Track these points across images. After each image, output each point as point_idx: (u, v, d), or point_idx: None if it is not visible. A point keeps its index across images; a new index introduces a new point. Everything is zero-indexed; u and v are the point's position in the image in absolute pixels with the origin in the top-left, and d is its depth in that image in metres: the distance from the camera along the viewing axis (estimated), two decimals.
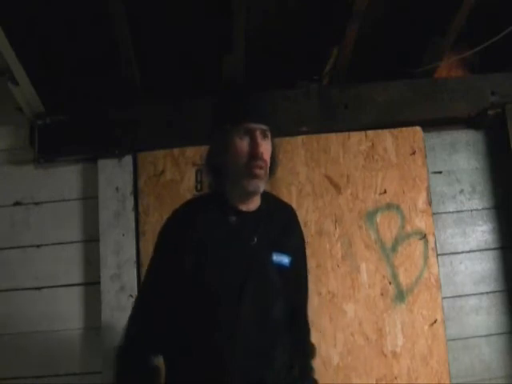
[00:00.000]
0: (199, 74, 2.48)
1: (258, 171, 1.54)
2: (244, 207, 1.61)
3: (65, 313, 2.41)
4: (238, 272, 1.55)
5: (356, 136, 2.53)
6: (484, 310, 2.51)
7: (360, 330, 2.37)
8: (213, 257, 1.54)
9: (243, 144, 1.54)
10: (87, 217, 2.48)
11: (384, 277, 2.42)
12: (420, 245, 2.45)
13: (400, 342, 2.37)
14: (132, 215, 2.44)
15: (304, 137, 2.52)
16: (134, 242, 2.42)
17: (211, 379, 1.50)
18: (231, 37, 2.27)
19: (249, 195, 1.60)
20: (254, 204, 1.63)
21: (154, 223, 2.34)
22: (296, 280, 1.73)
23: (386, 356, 2.36)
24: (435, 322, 2.39)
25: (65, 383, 2.35)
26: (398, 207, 2.48)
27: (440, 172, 2.61)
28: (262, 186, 1.58)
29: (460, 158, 2.63)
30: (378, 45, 2.49)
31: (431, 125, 2.58)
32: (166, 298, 1.55)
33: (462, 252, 2.55)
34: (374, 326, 2.38)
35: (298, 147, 2.50)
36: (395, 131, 2.53)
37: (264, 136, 1.57)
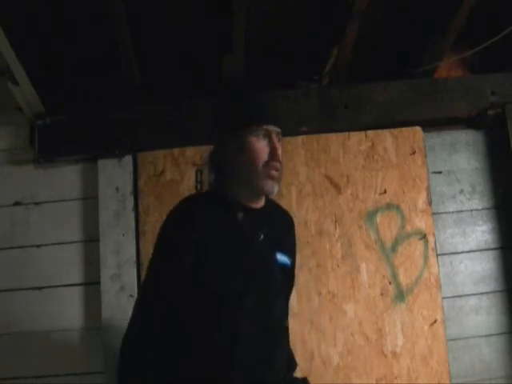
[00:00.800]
0: (199, 73, 2.48)
1: (276, 173, 1.56)
2: (251, 205, 1.62)
3: (65, 313, 2.41)
4: (240, 272, 1.55)
5: (356, 136, 2.53)
6: (484, 310, 2.51)
7: (360, 329, 2.37)
8: (213, 256, 1.54)
9: (262, 145, 1.56)
10: (87, 217, 2.48)
11: (384, 277, 2.42)
12: (420, 245, 2.45)
13: (400, 342, 2.37)
14: (132, 215, 2.44)
15: (304, 137, 2.52)
16: (134, 242, 2.42)
17: (211, 379, 1.50)
18: (231, 37, 2.27)
19: (259, 195, 1.62)
20: (260, 203, 1.64)
21: (154, 223, 2.34)
22: (291, 281, 1.76)
23: (385, 356, 2.36)
24: (435, 322, 2.39)
25: (65, 383, 2.34)
26: (398, 207, 2.47)
27: (440, 172, 2.61)
28: (277, 188, 1.59)
29: (460, 158, 2.63)
30: (378, 45, 2.49)
31: (431, 125, 2.58)
32: (167, 298, 1.54)
33: (462, 252, 2.55)
34: (373, 326, 2.38)
35: (298, 147, 2.50)
36: (395, 131, 2.53)
37: (279, 139, 1.60)
